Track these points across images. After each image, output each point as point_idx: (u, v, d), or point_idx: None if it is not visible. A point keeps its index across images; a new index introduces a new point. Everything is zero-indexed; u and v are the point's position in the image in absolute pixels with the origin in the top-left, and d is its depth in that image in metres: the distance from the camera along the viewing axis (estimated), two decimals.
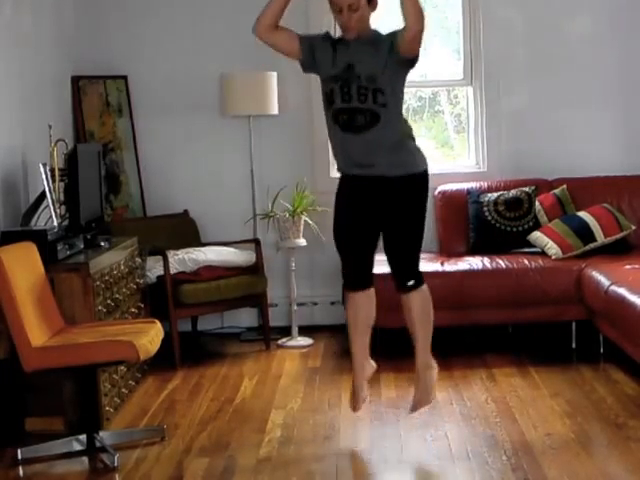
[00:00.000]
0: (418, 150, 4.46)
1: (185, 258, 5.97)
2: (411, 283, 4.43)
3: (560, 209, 6.24)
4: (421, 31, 4.26)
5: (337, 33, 4.62)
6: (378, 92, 4.34)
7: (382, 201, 4.39)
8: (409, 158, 4.41)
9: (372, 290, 4.53)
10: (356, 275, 4.52)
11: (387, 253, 4.47)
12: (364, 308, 4.53)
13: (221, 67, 6.52)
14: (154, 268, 5.85)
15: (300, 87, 6.63)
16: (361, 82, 4.34)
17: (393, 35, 4.37)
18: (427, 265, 5.52)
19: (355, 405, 4.58)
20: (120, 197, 6.51)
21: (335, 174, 6.66)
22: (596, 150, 6.65)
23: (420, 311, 4.47)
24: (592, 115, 6.67)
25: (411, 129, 4.51)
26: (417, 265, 4.48)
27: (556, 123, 6.67)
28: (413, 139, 4.47)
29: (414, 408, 4.54)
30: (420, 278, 4.46)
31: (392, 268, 4.48)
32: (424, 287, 4.46)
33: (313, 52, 4.47)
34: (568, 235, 5.97)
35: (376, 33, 4.44)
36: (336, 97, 4.39)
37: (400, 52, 4.31)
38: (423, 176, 4.43)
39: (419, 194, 4.44)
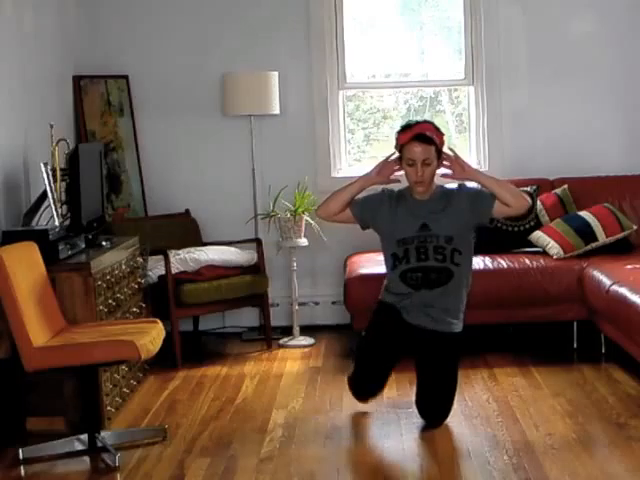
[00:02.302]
0: (463, 313, 4.61)
1: (186, 258, 5.97)
2: (438, 423, 4.49)
3: (561, 209, 6.24)
4: (528, 209, 4.50)
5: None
6: (455, 252, 4.42)
7: (420, 345, 4.53)
8: (456, 322, 4.57)
9: None
10: (371, 389, 4.61)
11: (423, 388, 4.54)
12: None
13: (222, 67, 6.52)
14: (155, 268, 5.85)
15: (301, 87, 6.64)
16: (439, 242, 4.41)
17: (475, 199, 4.43)
18: None
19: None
20: (121, 197, 6.51)
21: (336, 174, 6.73)
22: (597, 150, 6.65)
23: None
24: (593, 115, 6.67)
25: (470, 284, 4.62)
26: (448, 409, 4.54)
27: (557, 123, 6.67)
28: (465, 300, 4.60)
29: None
30: (447, 416, 4.53)
31: (425, 404, 4.53)
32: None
33: (376, 221, 4.52)
34: (569, 235, 5.97)
35: (444, 189, 4.52)
36: (411, 257, 4.44)
37: (486, 219, 4.46)
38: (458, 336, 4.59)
39: (456, 350, 4.58)
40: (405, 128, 4.43)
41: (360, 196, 4.61)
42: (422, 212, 4.45)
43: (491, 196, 4.43)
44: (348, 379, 4.78)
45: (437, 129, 4.45)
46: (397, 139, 4.46)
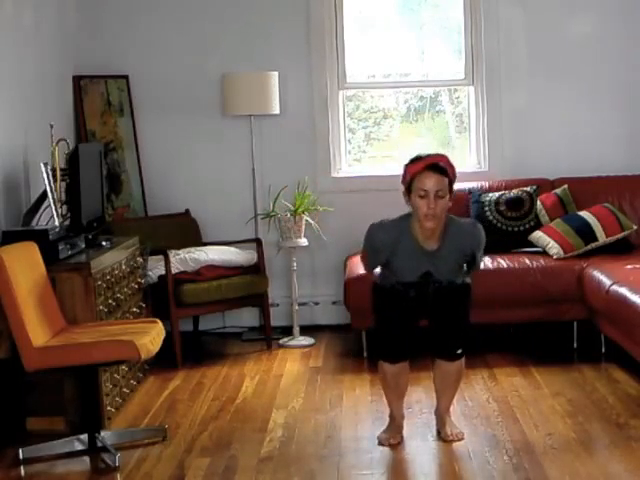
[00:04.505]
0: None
1: (186, 258, 5.97)
2: (459, 352, 4.40)
3: (561, 209, 6.24)
4: None
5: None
6: (454, 285, 4.32)
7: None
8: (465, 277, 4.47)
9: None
10: (402, 346, 4.41)
11: (436, 322, 4.42)
12: (404, 377, 4.46)
13: (222, 67, 6.53)
14: (155, 268, 5.85)
15: (301, 87, 6.64)
16: (441, 285, 4.29)
17: (474, 255, 4.32)
18: None
19: (392, 439, 4.43)
20: (121, 197, 6.51)
21: (336, 174, 6.73)
22: (598, 150, 6.65)
23: (455, 379, 4.47)
24: (593, 114, 6.66)
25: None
26: (466, 333, 4.45)
27: (557, 123, 6.67)
28: None
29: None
30: (466, 347, 4.43)
31: (439, 337, 4.41)
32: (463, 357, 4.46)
33: (389, 261, 4.30)
34: (569, 235, 5.97)
35: (454, 223, 4.29)
36: (410, 292, 4.29)
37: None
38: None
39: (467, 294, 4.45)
40: (416, 159, 4.20)
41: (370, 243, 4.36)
42: (425, 257, 4.23)
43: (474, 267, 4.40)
44: (377, 349, 4.55)
45: (449, 162, 4.24)
46: (406, 171, 4.22)
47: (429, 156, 4.20)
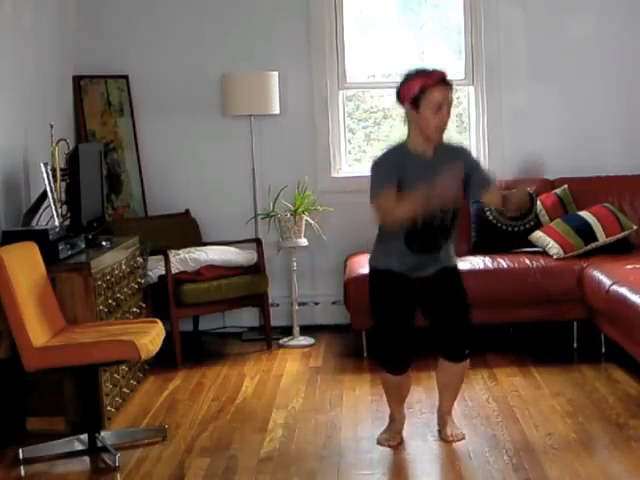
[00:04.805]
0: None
1: (186, 258, 5.97)
2: (467, 352, 4.39)
3: (561, 209, 6.24)
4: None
5: None
6: (455, 211, 4.25)
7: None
8: (453, 258, 4.40)
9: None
10: (405, 358, 4.37)
11: (440, 324, 4.37)
12: (406, 385, 4.45)
13: (222, 67, 6.52)
14: (155, 268, 5.85)
15: (301, 87, 6.64)
16: (446, 217, 4.22)
17: (475, 169, 4.27)
18: None
19: (392, 440, 4.43)
20: (121, 197, 6.51)
21: (336, 174, 6.73)
22: (597, 150, 6.64)
23: (460, 379, 4.47)
24: (593, 115, 6.66)
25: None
26: (471, 332, 4.42)
27: (557, 123, 6.67)
28: None
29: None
30: (471, 346, 4.42)
31: (446, 337, 4.38)
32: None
33: (401, 184, 4.18)
34: (569, 235, 5.97)
35: (445, 143, 4.28)
36: (418, 218, 4.17)
37: (471, 197, 4.36)
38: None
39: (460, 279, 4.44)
40: (422, 73, 4.18)
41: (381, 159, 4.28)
42: (429, 172, 4.11)
43: (491, 182, 4.34)
44: (379, 360, 4.48)
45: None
46: (410, 86, 4.17)
47: (434, 71, 4.19)
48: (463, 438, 4.37)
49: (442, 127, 4.17)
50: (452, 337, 4.38)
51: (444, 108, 4.14)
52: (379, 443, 4.38)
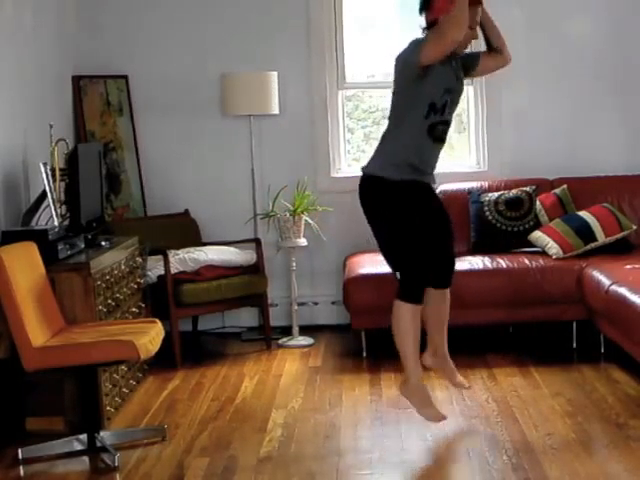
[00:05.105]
0: None
1: (186, 258, 5.97)
2: (450, 279, 4.63)
3: (561, 209, 6.24)
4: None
5: None
6: (455, 106, 4.52)
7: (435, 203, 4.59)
8: None
9: None
10: (426, 275, 4.50)
11: (434, 251, 4.52)
12: (418, 319, 4.49)
13: (222, 67, 6.52)
14: (155, 268, 5.85)
15: (301, 87, 6.64)
16: (454, 99, 4.49)
17: (466, 55, 4.61)
18: None
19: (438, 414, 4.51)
20: (121, 197, 6.51)
21: (335, 174, 6.73)
22: (597, 149, 6.65)
23: (448, 306, 4.66)
24: (593, 114, 6.67)
25: None
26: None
27: (557, 123, 6.67)
28: None
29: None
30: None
31: (438, 265, 4.55)
32: None
33: (427, 74, 4.42)
34: (569, 235, 5.97)
35: None
36: (447, 108, 4.44)
37: (469, 74, 4.65)
38: None
39: None
40: None
41: None
42: (455, 67, 4.54)
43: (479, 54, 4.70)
44: (408, 287, 4.47)
45: None
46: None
47: None
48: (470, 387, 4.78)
49: (468, 40, 4.55)
50: (449, 263, 4.59)
51: (476, 29, 4.52)
52: (430, 420, 4.47)
